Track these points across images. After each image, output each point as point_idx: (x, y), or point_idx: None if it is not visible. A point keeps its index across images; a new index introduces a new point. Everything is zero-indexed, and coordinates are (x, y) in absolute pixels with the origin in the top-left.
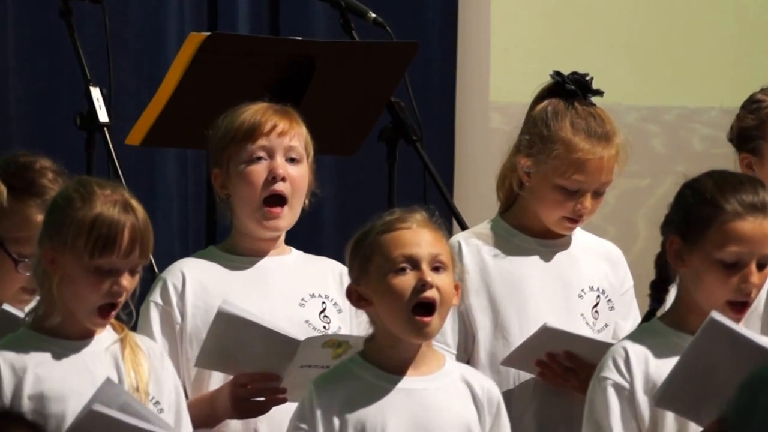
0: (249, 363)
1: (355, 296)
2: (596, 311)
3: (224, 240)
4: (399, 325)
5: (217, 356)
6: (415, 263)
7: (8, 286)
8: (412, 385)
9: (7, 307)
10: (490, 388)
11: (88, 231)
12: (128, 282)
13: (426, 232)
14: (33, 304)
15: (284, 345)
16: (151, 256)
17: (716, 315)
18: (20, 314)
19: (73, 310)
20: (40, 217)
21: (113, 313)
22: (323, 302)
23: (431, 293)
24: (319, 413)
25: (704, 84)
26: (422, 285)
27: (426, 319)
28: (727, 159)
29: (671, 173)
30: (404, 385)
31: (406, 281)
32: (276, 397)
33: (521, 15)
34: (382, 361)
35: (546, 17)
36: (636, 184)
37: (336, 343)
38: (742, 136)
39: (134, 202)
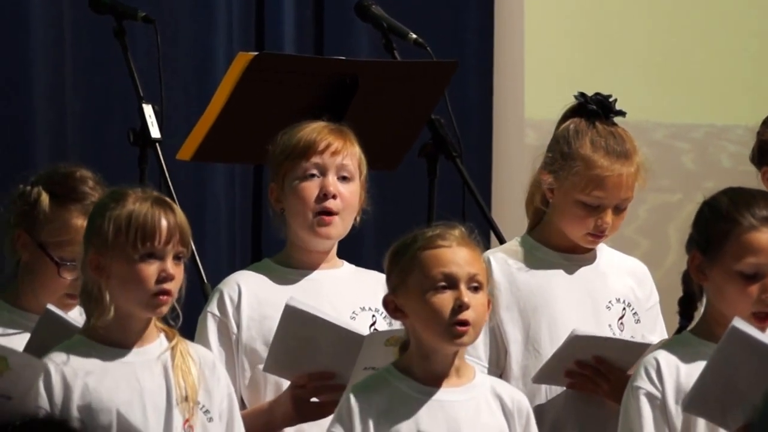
0: (314, 362)
1: (391, 307)
2: (621, 323)
3: (271, 252)
4: (435, 337)
5: (284, 358)
6: (453, 282)
7: (52, 291)
8: (445, 397)
9: (51, 307)
10: (520, 400)
11: (127, 226)
12: (174, 269)
13: (465, 251)
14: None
15: (349, 341)
16: (201, 266)
17: (738, 323)
18: (64, 315)
19: (128, 308)
20: (79, 221)
21: (169, 299)
22: (373, 315)
23: (467, 315)
24: (356, 419)
25: (731, 102)
26: (459, 306)
27: (462, 328)
28: (754, 175)
29: (701, 189)
30: (437, 397)
31: (444, 300)
32: (337, 399)
33: (554, 35)
34: (415, 372)
35: (577, 38)
36: (667, 199)
37: (397, 340)
38: (763, 151)
39: (166, 198)
